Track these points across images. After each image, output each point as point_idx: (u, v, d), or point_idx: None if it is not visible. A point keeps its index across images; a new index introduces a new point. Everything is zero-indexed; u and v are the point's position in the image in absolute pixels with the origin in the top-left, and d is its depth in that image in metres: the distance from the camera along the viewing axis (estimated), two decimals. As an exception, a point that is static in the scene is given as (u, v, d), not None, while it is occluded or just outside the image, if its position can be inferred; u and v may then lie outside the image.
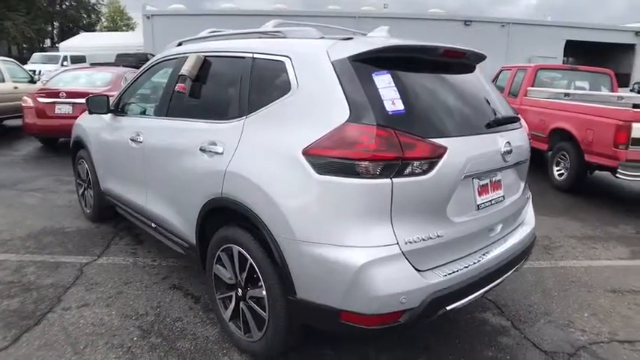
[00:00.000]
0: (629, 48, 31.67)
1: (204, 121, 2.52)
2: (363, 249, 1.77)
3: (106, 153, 3.63)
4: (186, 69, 2.69)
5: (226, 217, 2.32)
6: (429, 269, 1.88)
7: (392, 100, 1.87)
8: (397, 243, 1.79)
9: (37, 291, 2.95)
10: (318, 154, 1.85)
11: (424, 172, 1.82)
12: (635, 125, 4.80)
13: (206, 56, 2.70)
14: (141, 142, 3.02)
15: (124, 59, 14.31)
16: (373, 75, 1.93)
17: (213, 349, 2.40)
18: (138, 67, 5.83)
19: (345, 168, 1.79)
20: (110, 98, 3.58)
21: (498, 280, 2.22)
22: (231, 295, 2.37)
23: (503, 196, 2.30)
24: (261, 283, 2.10)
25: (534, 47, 32.62)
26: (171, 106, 2.89)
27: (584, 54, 33.20)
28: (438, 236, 1.89)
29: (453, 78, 2.33)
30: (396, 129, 1.80)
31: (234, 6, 35.64)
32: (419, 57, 2.12)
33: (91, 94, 4.47)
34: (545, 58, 32.46)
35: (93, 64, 10.69)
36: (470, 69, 2.47)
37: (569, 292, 3.16)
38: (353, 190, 1.78)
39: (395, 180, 1.77)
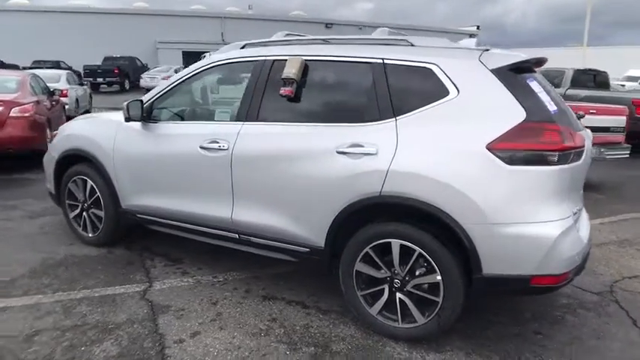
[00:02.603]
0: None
1: (334, 124, 2.54)
2: (556, 222, 2.14)
3: (144, 165, 3.21)
4: (292, 72, 2.64)
5: (377, 214, 2.43)
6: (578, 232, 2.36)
7: (548, 102, 2.28)
8: (571, 215, 2.22)
9: (121, 330, 2.54)
10: (504, 147, 2.14)
11: (579, 158, 2.28)
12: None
13: (310, 60, 2.70)
14: (225, 149, 2.81)
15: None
16: (528, 81, 2.31)
17: (368, 345, 2.47)
18: None
19: (533, 158, 2.13)
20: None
21: None
22: (382, 289, 2.48)
23: None
24: (436, 269, 2.30)
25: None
26: (266, 109, 2.78)
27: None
28: (580, 207, 2.38)
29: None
30: (563, 124, 2.21)
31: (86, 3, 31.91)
32: (532, 66, 2.56)
33: None
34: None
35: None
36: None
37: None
38: (543, 175, 2.13)
39: (569, 165, 2.18)
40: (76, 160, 3.65)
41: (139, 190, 3.29)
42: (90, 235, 3.69)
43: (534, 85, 2.31)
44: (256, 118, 2.80)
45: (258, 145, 2.74)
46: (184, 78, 3.17)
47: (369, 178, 2.37)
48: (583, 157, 2.31)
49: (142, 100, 3.18)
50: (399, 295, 2.44)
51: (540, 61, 2.50)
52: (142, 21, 31.14)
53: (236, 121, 2.88)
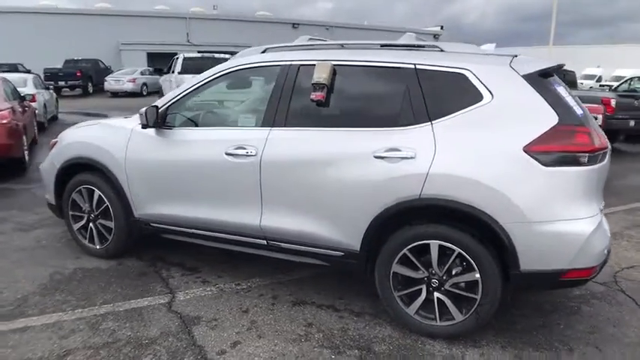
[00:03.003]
0: None
1: (369, 129, 2.58)
2: (587, 219, 2.27)
3: (162, 172, 3.12)
4: (323, 77, 2.66)
5: (413, 217, 2.49)
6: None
7: (574, 105, 2.41)
8: (598, 212, 2.36)
9: (157, 344, 2.46)
10: (540, 150, 2.25)
11: (604, 158, 2.42)
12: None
13: (339, 65, 2.73)
14: (253, 155, 2.79)
15: None
16: (555, 86, 2.43)
17: (408, 344, 2.52)
18: None
19: (567, 159, 2.24)
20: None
21: None
22: (420, 289, 2.54)
23: None
24: (475, 268, 2.38)
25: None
26: (294, 114, 2.77)
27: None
28: (603, 204, 2.53)
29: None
30: (591, 127, 2.35)
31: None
32: (554, 71, 2.69)
33: None
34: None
35: None
36: None
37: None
38: (576, 175, 2.25)
39: (597, 165, 2.32)
40: (80, 168, 3.51)
41: (155, 199, 3.20)
42: (97, 247, 3.55)
43: (561, 90, 2.44)
44: (284, 124, 2.79)
45: (290, 151, 2.73)
46: (202, 83, 3.11)
47: (408, 182, 2.42)
48: (607, 157, 2.46)
49: (156, 106, 3.10)
50: (436, 294, 2.51)
51: (560, 67, 2.63)
52: (104, 22, 29.95)
53: (262, 126, 2.86)
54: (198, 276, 3.33)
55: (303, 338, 2.56)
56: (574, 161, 2.26)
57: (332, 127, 2.70)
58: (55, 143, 3.70)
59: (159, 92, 14.09)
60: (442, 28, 40.27)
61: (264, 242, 2.92)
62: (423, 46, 2.71)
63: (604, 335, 2.67)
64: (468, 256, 2.39)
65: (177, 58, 12.02)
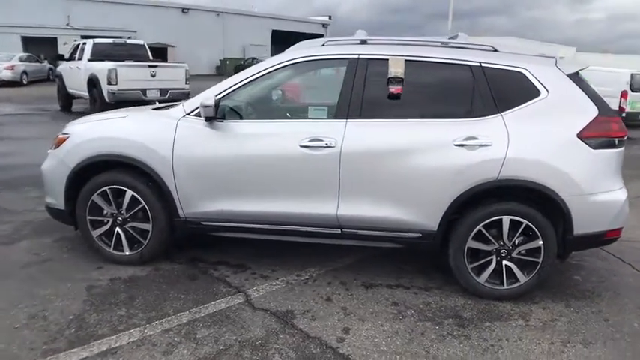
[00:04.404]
0: (319, 38, 39.50)
1: (445, 120, 2.83)
2: (620, 190, 2.87)
3: (222, 168, 2.93)
4: (400, 72, 2.82)
5: (485, 197, 2.84)
6: None
7: (603, 99, 3.00)
8: (623, 184, 3.00)
9: (273, 343, 2.42)
10: (589, 136, 2.77)
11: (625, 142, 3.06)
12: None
13: (410, 60, 2.91)
14: (332, 146, 2.83)
15: None
16: (587, 84, 2.99)
17: (485, 307, 2.87)
18: None
19: (606, 143, 2.80)
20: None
21: None
22: (491, 259, 2.92)
23: None
24: (538, 236, 2.84)
25: (247, 37, 36.35)
26: (369, 106, 2.88)
27: (285, 43, 39.25)
28: None
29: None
30: (617, 117, 2.96)
31: None
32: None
33: None
34: (258, 46, 36.81)
35: None
36: None
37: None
38: (614, 156, 2.83)
39: (623, 148, 2.93)
40: (101, 168, 3.10)
41: (211, 196, 3.01)
42: (127, 252, 3.19)
43: (592, 85, 3.01)
44: (360, 115, 2.90)
45: (370, 141, 2.85)
46: (259, 74, 3.00)
47: (487, 166, 2.76)
48: (624, 143, 3.11)
49: (216, 98, 2.91)
50: (504, 262, 2.92)
51: (585, 68, 3.20)
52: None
53: (336, 118, 2.92)
54: (253, 272, 3.24)
55: (400, 316, 2.75)
56: (611, 144, 2.83)
57: (408, 118, 2.90)
58: (62, 140, 3.17)
59: (56, 81, 12.15)
60: (330, 17, 41.71)
61: (339, 231, 3.00)
62: (478, 46, 3.05)
63: (610, 282, 3.35)
64: (533, 227, 2.83)
65: (85, 44, 10.53)
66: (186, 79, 10.02)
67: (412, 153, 2.83)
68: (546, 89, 2.84)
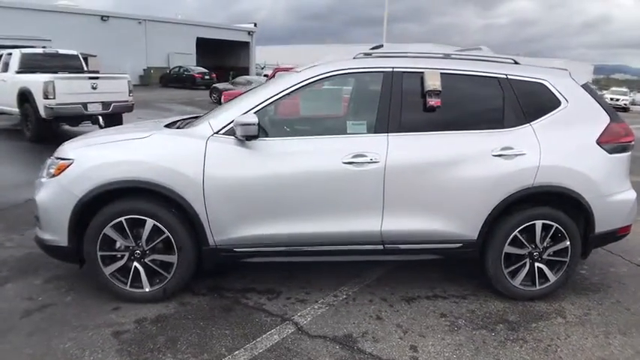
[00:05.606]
0: (245, 45, 38.58)
1: (481, 131, 2.90)
2: (631, 190, 3.15)
3: (260, 189, 2.72)
4: (437, 85, 2.85)
5: (519, 203, 2.96)
6: None
7: (611, 107, 3.28)
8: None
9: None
10: (605, 141, 3.01)
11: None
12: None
13: (444, 73, 2.95)
14: (377, 161, 2.76)
15: None
16: (597, 92, 3.25)
17: (523, 310, 2.98)
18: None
19: (619, 148, 3.07)
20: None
21: None
22: (525, 262, 3.04)
23: None
24: (566, 237, 3.02)
25: (172, 44, 34.69)
26: (407, 120, 2.87)
27: (211, 51, 37.88)
28: None
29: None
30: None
31: None
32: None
33: None
34: (183, 54, 35.29)
35: None
36: None
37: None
38: (624, 159, 3.10)
39: (631, 152, 3.22)
40: (113, 196, 2.73)
41: (247, 220, 2.79)
42: (147, 289, 2.84)
43: (600, 94, 3.29)
44: (399, 129, 2.87)
45: (413, 155, 2.84)
46: (292, 88, 2.85)
47: (523, 174, 2.88)
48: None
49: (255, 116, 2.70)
50: (537, 264, 3.06)
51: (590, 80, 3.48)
52: None
53: (376, 132, 2.86)
54: (287, 297, 3.06)
55: (454, 327, 2.76)
56: (623, 149, 3.11)
57: (446, 130, 2.93)
58: (64, 166, 2.73)
59: None
60: (255, 25, 41.29)
61: (381, 247, 2.94)
62: (500, 58, 3.19)
63: (612, 274, 3.66)
64: (561, 229, 3.01)
65: (11, 55, 9.25)
66: (130, 91, 9.26)
67: (454, 164, 2.86)
68: (566, 99, 3.04)
